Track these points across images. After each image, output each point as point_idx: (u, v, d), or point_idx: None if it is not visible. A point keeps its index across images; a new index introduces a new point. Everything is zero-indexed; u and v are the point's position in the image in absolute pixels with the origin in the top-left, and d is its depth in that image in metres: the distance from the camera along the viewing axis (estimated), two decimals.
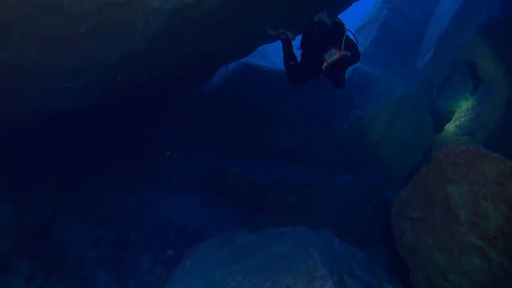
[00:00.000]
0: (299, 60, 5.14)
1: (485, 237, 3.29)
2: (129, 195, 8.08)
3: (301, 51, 5.06)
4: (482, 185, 3.36)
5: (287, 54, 5.05)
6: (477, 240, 3.32)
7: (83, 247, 6.57)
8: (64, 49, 4.41)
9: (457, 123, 9.43)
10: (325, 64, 4.44)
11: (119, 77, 6.56)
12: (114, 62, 5.49)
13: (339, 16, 5.38)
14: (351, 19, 14.84)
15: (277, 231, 5.21)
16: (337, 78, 4.88)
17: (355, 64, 5.57)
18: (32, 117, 6.09)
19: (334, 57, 4.40)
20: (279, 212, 7.93)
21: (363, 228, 8.09)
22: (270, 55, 19.71)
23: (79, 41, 4.38)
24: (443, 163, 3.75)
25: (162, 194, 8.38)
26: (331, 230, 5.71)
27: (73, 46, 4.45)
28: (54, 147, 7.61)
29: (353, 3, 9.17)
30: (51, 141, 7.38)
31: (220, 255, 4.81)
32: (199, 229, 7.18)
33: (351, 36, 5.11)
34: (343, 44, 4.74)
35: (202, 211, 8.01)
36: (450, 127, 9.65)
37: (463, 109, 9.62)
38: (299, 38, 5.47)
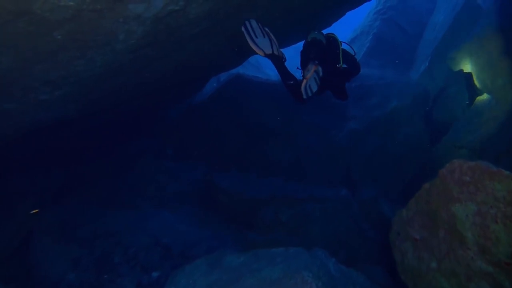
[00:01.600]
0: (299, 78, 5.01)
1: (496, 263, 3.05)
2: (114, 212, 7.76)
3: (302, 70, 4.96)
4: (492, 205, 3.12)
5: (283, 74, 4.81)
6: (487, 266, 3.08)
7: (62, 270, 6.22)
8: (38, 59, 4.16)
9: (455, 135, 9.26)
10: (304, 81, 4.42)
11: (102, 89, 6.33)
12: (96, 72, 5.24)
13: (332, 28, 5.48)
14: (342, 30, 14.84)
15: (269, 253, 4.92)
16: (338, 92, 4.97)
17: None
18: (6, 131, 5.79)
19: (310, 72, 4.44)
20: (271, 229, 7.65)
21: (359, 245, 7.85)
22: (263, 67, 19.70)
23: (55, 50, 4.12)
24: (448, 180, 3.51)
25: (149, 211, 8.07)
26: (327, 249, 5.45)
27: (48, 56, 4.19)
28: (33, 162, 7.30)
29: (347, 13, 9.07)
30: (30, 156, 7.08)
31: (207, 280, 4.51)
32: (187, 249, 6.86)
33: (348, 48, 5.15)
34: (341, 58, 4.79)
35: (191, 228, 7.70)
36: (447, 139, 9.48)
37: (460, 121, 9.46)
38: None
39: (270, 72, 17.50)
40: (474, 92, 9.45)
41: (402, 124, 10.79)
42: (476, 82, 8.90)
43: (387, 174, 10.32)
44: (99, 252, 6.59)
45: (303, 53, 5.06)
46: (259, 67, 19.18)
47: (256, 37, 4.78)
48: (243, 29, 4.77)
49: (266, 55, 4.76)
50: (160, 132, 10.81)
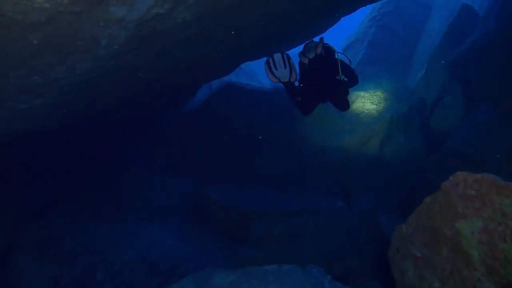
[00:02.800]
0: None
1: (505, 285, 2.86)
2: (100, 226, 7.50)
3: (301, 84, 5.11)
4: (499, 222, 2.94)
5: (292, 93, 5.01)
6: None
7: None
8: (13, 66, 3.95)
9: (453, 144, 9.13)
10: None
11: (86, 98, 6.13)
12: (77, 80, 5.04)
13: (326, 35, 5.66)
14: (336, 37, 14.78)
15: (261, 271, 4.70)
16: (338, 101, 5.06)
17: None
18: None
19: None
20: (263, 244, 7.43)
21: (356, 259, 7.63)
22: (256, 74, 19.60)
23: (31, 56, 3.92)
24: (451, 194, 3.33)
25: (136, 225, 7.82)
26: (322, 264, 5.25)
27: (25, 62, 3.99)
28: (15, 174, 7.05)
29: (341, 20, 8.99)
30: (9, 167, 6.82)
31: None
32: (174, 265, 6.61)
33: (343, 57, 5.16)
34: (340, 70, 4.87)
35: (179, 243, 7.46)
36: (445, 148, 9.34)
37: (458, 130, 9.34)
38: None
39: (264, 80, 17.39)
40: (472, 100, 9.34)
41: (399, 133, 10.66)
42: (475, 90, 8.80)
43: (383, 185, 10.15)
44: (81, 270, 6.32)
45: (303, 67, 5.10)
46: (253, 75, 19.08)
47: (276, 69, 4.80)
48: (265, 64, 4.85)
49: (281, 82, 4.88)
50: (148, 142, 10.59)
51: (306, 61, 4.92)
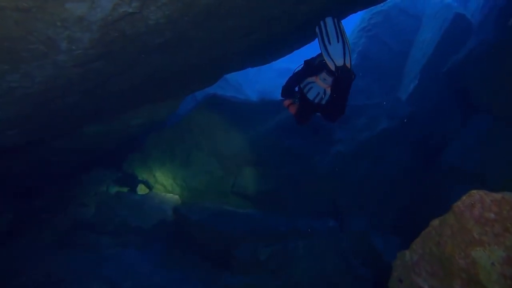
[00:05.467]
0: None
1: None
2: (66, 254, 6.95)
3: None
4: None
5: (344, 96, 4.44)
6: None
7: None
8: None
9: (450, 158, 8.84)
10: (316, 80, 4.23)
11: (50, 111, 5.68)
12: (36, 90, 4.60)
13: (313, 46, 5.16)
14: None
15: None
16: (331, 113, 4.53)
17: None
18: None
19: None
20: (248, 270, 6.98)
21: (350, 286, 7.22)
22: (243, 88, 19.40)
23: None
24: (465, 217, 2.95)
25: (107, 251, 7.30)
26: None
27: None
28: None
29: None
30: None
31: None
32: None
33: None
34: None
35: (157, 269, 6.97)
36: (442, 162, 9.05)
37: (454, 142, 9.06)
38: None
39: (251, 94, 17.10)
40: (469, 111, 9.10)
41: (392, 146, 10.37)
42: (473, 100, 8.54)
43: (377, 202, 9.82)
44: None
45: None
46: (239, 89, 18.82)
47: (330, 43, 4.14)
48: (316, 29, 4.21)
49: (336, 69, 4.10)
50: (125, 159, 10.09)
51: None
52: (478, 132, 8.29)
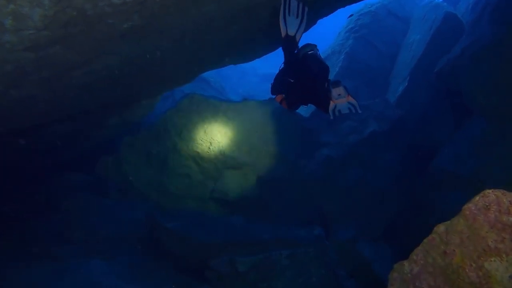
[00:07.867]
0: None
1: None
2: (24, 265, 6.37)
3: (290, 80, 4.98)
4: None
5: (289, 50, 5.05)
6: None
7: None
8: None
9: (442, 162, 8.54)
10: (332, 104, 4.51)
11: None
12: None
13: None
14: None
15: None
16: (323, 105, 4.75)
17: None
18: None
19: (341, 102, 4.53)
20: (226, 282, 6.52)
21: None
22: (226, 91, 19.16)
23: None
24: (478, 221, 2.54)
25: (71, 262, 6.73)
26: None
27: None
28: None
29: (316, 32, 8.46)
30: None
31: None
32: None
33: None
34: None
35: (124, 283, 6.41)
36: (434, 167, 8.75)
37: (447, 146, 8.77)
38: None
39: (234, 97, 16.71)
40: (461, 113, 8.82)
41: (381, 151, 10.05)
42: (467, 101, 8.26)
43: (366, 209, 9.50)
44: None
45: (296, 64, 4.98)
46: (222, 92, 18.49)
47: (289, 15, 4.95)
48: (282, 1, 4.93)
49: (286, 36, 4.96)
50: (92, 160, 9.56)
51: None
52: (471, 136, 8.02)
